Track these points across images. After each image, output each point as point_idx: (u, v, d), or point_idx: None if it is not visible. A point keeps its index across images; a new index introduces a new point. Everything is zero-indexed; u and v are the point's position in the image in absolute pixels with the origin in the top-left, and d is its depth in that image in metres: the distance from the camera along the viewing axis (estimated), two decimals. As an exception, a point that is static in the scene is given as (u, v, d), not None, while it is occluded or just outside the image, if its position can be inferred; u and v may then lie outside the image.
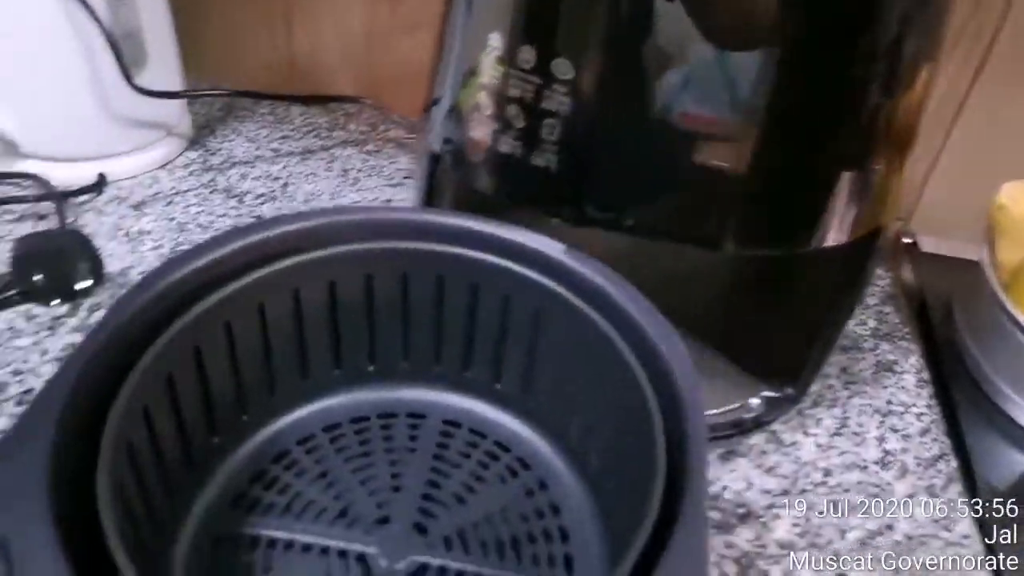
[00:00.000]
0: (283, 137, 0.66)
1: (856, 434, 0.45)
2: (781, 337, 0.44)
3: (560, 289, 0.33)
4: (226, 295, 0.31)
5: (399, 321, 0.36)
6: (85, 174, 0.57)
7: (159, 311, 0.29)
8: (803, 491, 0.41)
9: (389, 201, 0.61)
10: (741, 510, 0.40)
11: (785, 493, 0.41)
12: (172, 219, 0.55)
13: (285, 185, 0.61)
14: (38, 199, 0.55)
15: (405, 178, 0.63)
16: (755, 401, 0.44)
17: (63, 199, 0.54)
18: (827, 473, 0.43)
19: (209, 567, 0.31)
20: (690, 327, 0.41)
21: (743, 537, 0.39)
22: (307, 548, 0.32)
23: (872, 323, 0.53)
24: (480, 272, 0.34)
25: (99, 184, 0.57)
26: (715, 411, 0.43)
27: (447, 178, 0.39)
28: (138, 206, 0.56)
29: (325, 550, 0.32)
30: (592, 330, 0.32)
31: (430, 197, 0.41)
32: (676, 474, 0.26)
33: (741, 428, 0.44)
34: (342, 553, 0.32)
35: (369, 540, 0.32)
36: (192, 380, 0.31)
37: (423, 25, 0.50)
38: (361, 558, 0.32)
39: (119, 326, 0.27)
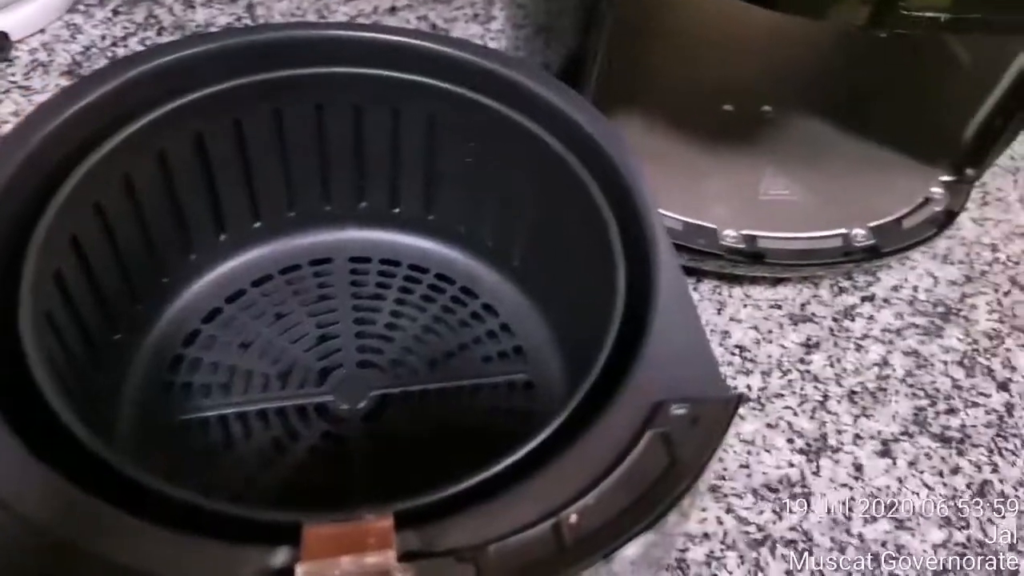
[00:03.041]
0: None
1: (1000, 200, 0.44)
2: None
3: (485, 99, 0.31)
4: (120, 141, 0.27)
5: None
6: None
7: (46, 166, 0.25)
8: (983, 273, 0.41)
9: (394, 9, 0.48)
10: (940, 309, 0.40)
11: (969, 280, 0.41)
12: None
13: (250, 7, 0.47)
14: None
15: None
16: (936, 190, 0.40)
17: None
18: (995, 248, 0.42)
19: (165, 456, 0.29)
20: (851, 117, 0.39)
21: (954, 336, 0.39)
22: (262, 414, 0.30)
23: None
24: (398, 93, 0.31)
25: (1, 47, 0.43)
26: (905, 210, 0.39)
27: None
28: (72, 71, 0.44)
29: (281, 411, 0.30)
30: (514, 129, 0.30)
31: (593, 20, 0.33)
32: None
33: (937, 223, 0.39)
34: (300, 409, 0.31)
35: (323, 391, 0.31)
36: (100, 236, 0.28)
37: None
38: (321, 408, 0.31)
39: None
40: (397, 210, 0.36)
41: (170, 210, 0.31)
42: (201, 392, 0.31)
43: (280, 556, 0.18)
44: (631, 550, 0.20)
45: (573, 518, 0.19)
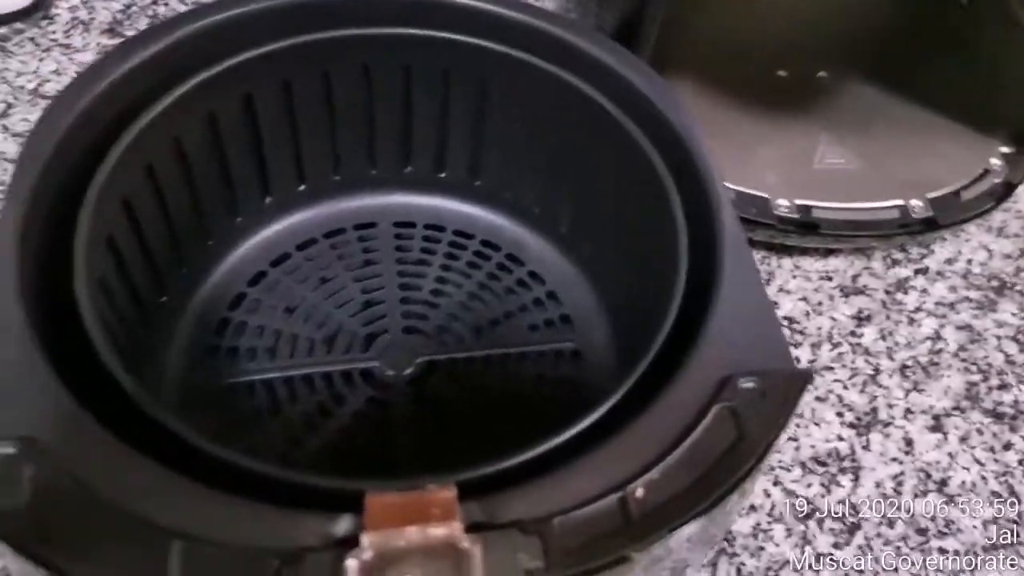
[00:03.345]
0: None
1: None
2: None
3: (540, 62, 0.30)
4: (170, 103, 0.26)
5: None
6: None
7: (96, 128, 0.25)
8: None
9: None
10: (994, 283, 0.39)
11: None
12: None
13: None
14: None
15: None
16: (995, 161, 0.39)
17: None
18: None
19: (211, 419, 0.29)
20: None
21: (1008, 311, 0.38)
22: (308, 379, 0.30)
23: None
24: (451, 55, 0.30)
25: (41, 4, 0.42)
26: (963, 182, 0.38)
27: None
28: (114, 29, 0.43)
29: (327, 376, 0.30)
30: (568, 92, 0.29)
31: None
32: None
33: (995, 196, 0.38)
34: (346, 375, 0.30)
35: (369, 356, 0.31)
36: (151, 199, 0.27)
37: None
38: (367, 373, 0.30)
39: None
40: (443, 175, 0.35)
41: (218, 172, 0.31)
42: (247, 356, 0.31)
43: (343, 524, 0.17)
44: (689, 528, 0.20)
45: (639, 492, 0.18)
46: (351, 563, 0.16)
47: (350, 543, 0.17)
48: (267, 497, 0.18)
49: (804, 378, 0.21)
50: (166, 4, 0.45)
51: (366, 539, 0.17)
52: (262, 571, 0.16)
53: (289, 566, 0.16)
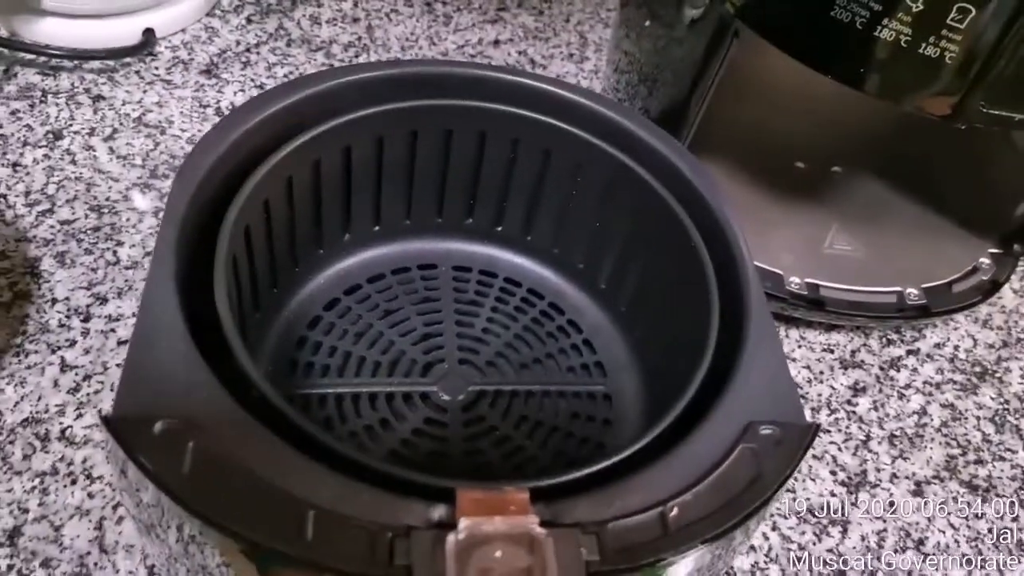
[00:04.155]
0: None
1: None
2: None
3: (598, 142, 0.35)
4: (288, 152, 0.31)
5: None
6: (121, 32, 0.47)
7: (233, 164, 0.30)
8: (1019, 340, 0.45)
9: (497, 43, 0.56)
10: (977, 369, 0.44)
11: (1005, 345, 0.45)
12: (261, 86, 0.47)
13: (369, 28, 0.54)
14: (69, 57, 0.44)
15: (499, 11, 0.58)
16: (984, 260, 0.44)
17: (82, 62, 0.44)
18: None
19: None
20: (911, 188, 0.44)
21: (988, 395, 0.43)
22: (373, 397, 0.34)
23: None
24: (522, 128, 0.35)
25: (147, 43, 0.46)
26: (955, 276, 0.43)
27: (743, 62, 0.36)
28: (210, 70, 0.48)
29: (391, 396, 0.35)
30: (619, 168, 0.34)
31: (700, 78, 0.37)
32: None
33: (982, 291, 0.43)
34: (407, 396, 0.35)
35: (427, 381, 0.35)
36: (263, 230, 0.32)
37: None
38: (424, 396, 0.35)
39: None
40: (499, 228, 0.40)
41: (313, 210, 0.35)
42: (320, 371, 0.35)
43: (438, 511, 0.22)
44: (694, 564, 0.24)
45: (675, 510, 0.23)
46: (451, 539, 0.20)
47: (443, 526, 0.21)
48: (373, 483, 0.22)
49: (813, 430, 0.25)
50: (257, 53, 0.50)
51: (463, 523, 0.21)
52: (379, 541, 0.21)
53: (400, 539, 0.21)
